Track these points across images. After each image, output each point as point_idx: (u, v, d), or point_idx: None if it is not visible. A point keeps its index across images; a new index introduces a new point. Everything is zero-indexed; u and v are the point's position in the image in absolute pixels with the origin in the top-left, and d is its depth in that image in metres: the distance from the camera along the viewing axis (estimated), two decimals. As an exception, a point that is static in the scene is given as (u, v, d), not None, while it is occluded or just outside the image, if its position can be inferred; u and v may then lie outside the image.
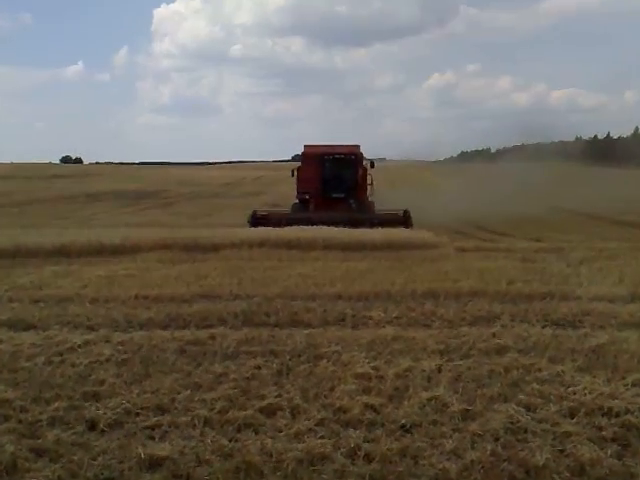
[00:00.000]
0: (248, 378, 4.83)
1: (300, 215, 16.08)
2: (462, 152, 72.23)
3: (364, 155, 18.02)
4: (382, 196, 19.15)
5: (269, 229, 13.31)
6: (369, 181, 17.86)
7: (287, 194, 22.20)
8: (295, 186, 17.91)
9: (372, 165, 17.98)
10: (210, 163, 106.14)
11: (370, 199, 17.92)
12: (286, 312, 6.84)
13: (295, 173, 17.83)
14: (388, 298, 7.50)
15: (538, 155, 34.53)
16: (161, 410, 4.25)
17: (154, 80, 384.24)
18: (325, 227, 13.18)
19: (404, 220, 15.39)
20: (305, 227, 13.31)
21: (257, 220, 15.83)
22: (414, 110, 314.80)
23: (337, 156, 17.59)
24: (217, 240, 11.88)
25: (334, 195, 17.29)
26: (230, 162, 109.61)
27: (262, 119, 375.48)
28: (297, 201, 17.95)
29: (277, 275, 8.99)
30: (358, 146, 18.26)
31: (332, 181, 17.43)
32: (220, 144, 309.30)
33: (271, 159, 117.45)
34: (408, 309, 6.99)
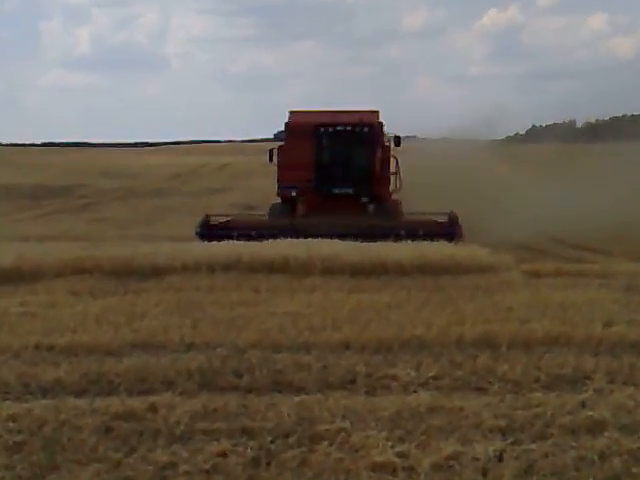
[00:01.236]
0: (208, 471, 4.82)
1: (282, 222, 15.97)
2: (533, 127, 72.33)
3: (385, 128, 17.89)
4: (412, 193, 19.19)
5: (238, 244, 13.35)
6: (393, 168, 17.78)
7: (268, 190, 22.28)
8: (275, 176, 17.76)
9: (397, 143, 17.73)
10: (151, 144, 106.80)
11: (394, 196, 17.93)
12: (266, 370, 6.85)
13: (275, 155, 17.54)
14: (421, 348, 7.54)
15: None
16: (74, 520, 4.24)
17: (65, 19, 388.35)
18: (325, 240, 13.24)
19: (449, 229, 15.37)
20: (294, 241, 13.36)
21: (211, 230, 15.71)
22: (459, 64, 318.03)
23: (342, 128, 17.32)
24: (161, 261, 11.95)
25: (337, 190, 17.28)
26: (181, 143, 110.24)
27: (229, 78, 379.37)
28: (279, 200, 17.86)
29: (252, 314, 9.03)
30: (376, 112, 18.00)
31: (334, 168, 17.42)
32: (166, 115, 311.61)
33: (243, 138, 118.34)
34: (452, 365, 7.02)
